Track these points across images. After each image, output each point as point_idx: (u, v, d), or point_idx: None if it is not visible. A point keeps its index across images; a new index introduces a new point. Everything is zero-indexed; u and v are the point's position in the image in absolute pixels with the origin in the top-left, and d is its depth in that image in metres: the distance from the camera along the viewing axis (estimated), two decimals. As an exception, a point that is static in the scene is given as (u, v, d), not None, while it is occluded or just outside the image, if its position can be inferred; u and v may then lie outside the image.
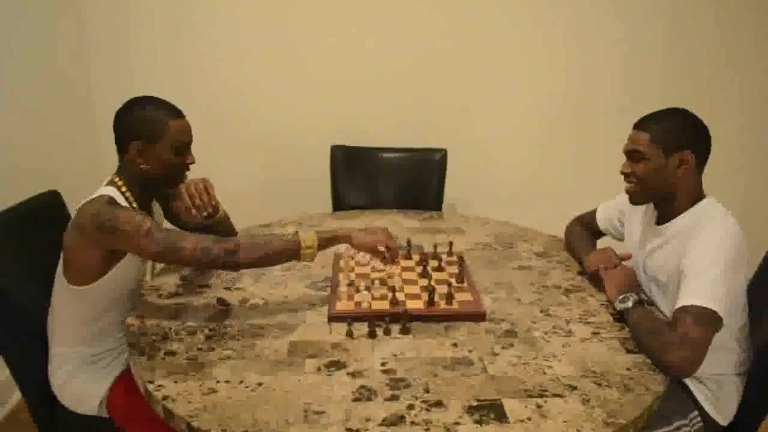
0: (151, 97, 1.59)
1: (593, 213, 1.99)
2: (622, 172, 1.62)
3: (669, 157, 1.53)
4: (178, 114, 1.58)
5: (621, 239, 1.90)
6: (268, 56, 3.04)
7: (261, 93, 3.10)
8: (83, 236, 1.46)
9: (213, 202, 1.73)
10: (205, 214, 1.71)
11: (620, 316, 1.57)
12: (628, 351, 1.44)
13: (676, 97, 2.98)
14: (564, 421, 1.19)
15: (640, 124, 1.59)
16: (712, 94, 3.04)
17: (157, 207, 1.77)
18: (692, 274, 1.43)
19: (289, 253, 1.54)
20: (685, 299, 1.41)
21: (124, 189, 1.56)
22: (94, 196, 1.51)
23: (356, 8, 2.96)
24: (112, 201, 1.49)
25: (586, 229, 2.01)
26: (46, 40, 2.64)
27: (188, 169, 1.64)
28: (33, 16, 2.52)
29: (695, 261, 1.45)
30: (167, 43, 3.01)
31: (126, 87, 2.96)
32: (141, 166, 1.54)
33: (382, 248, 1.66)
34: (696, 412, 1.56)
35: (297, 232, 1.56)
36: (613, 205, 1.92)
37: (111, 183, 1.57)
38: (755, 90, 3.07)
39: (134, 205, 1.56)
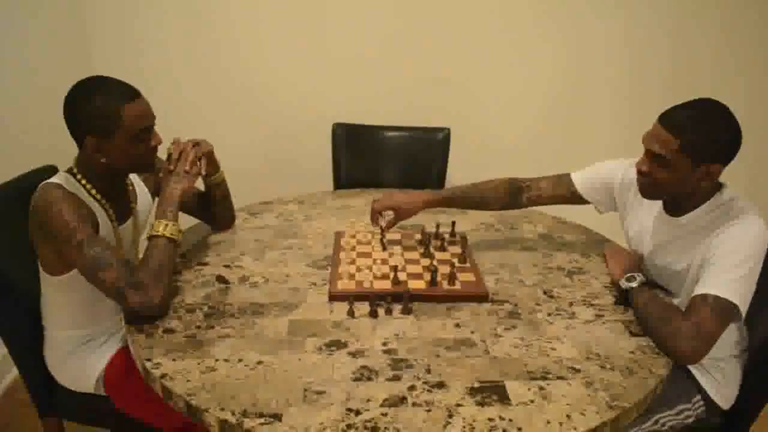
0: (98, 81, 1.43)
1: (540, 181, 1.84)
2: (638, 170, 1.50)
3: (695, 169, 1.41)
4: (131, 97, 1.42)
5: (605, 211, 1.81)
6: (270, 35, 3.00)
7: (263, 71, 3.07)
8: (32, 228, 1.43)
9: (186, 166, 1.59)
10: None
11: (622, 298, 1.55)
12: (632, 334, 1.42)
13: (678, 77, 2.98)
14: (567, 404, 1.18)
15: (671, 124, 1.41)
16: (715, 78, 3.00)
17: (141, 185, 1.69)
18: (720, 265, 1.38)
19: (173, 249, 1.47)
20: (708, 288, 1.37)
21: (80, 177, 1.47)
22: (45, 181, 1.44)
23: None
24: (57, 187, 1.40)
25: (515, 195, 1.84)
26: (47, 11, 2.59)
27: (156, 151, 1.53)
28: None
29: (725, 254, 1.39)
30: (170, 22, 2.96)
31: (127, 62, 2.95)
32: (101, 161, 1.44)
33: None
34: (698, 396, 1.56)
35: (159, 229, 1.46)
36: (594, 177, 1.79)
37: (68, 170, 1.49)
38: (758, 75, 3.04)
39: (93, 192, 1.48)
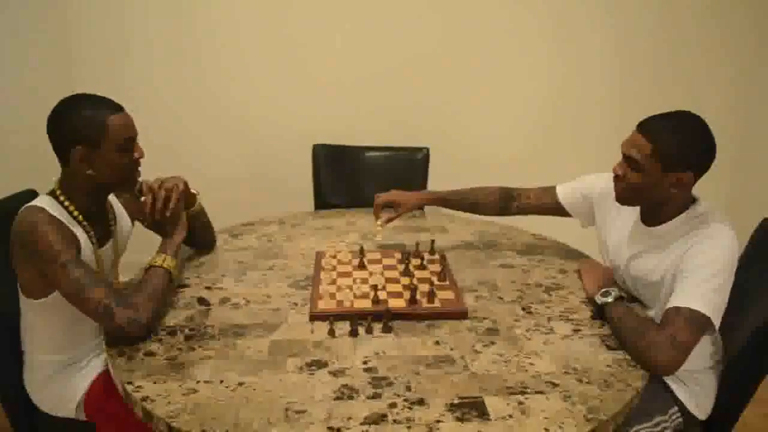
0: (84, 96, 1.48)
1: (529, 191, 1.93)
2: (614, 174, 1.57)
3: (666, 175, 1.47)
4: (116, 109, 1.47)
5: (587, 225, 1.88)
6: (251, 56, 3.03)
7: (244, 92, 3.09)
8: (13, 250, 1.43)
9: (167, 212, 1.65)
10: (156, 217, 1.65)
11: (598, 313, 1.57)
12: (609, 348, 1.45)
13: (667, 95, 3.04)
14: (545, 418, 1.19)
15: (647, 131, 1.48)
16: (702, 92, 3.07)
17: (120, 208, 1.71)
18: (692, 278, 1.41)
19: (168, 281, 1.54)
20: (681, 300, 1.40)
21: (63, 198, 1.48)
22: (28, 205, 1.45)
23: (341, 8, 2.96)
24: (40, 211, 1.41)
25: (506, 202, 1.94)
26: (28, 31, 2.60)
27: (139, 164, 1.55)
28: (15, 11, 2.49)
29: (698, 266, 1.42)
30: (154, 41, 2.98)
31: (110, 83, 2.95)
32: (87, 172, 1.45)
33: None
34: (675, 408, 1.58)
35: (158, 261, 1.54)
36: (576, 189, 1.86)
37: (50, 192, 1.50)
38: (742, 83, 3.12)
39: (75, 214, 1.49)
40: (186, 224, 1.71)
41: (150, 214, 1.65)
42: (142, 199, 1.65)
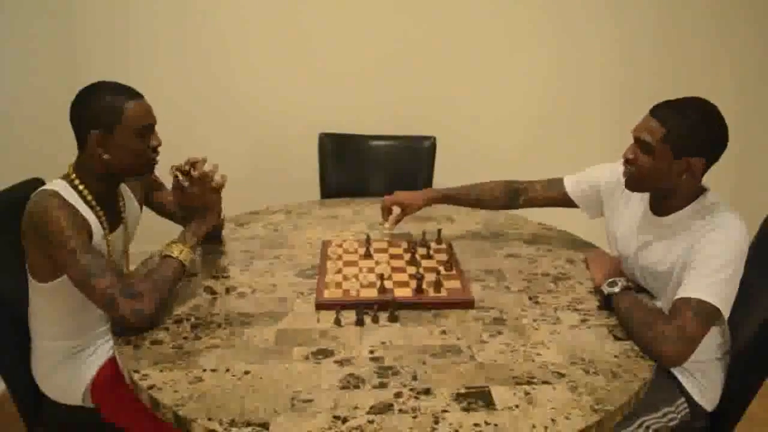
0: (106, 82, 1.50)
1: (535, 183, 1.93)
2: (625, 159, 1.55)
3: (677, 160, 1.46)
4: (135, 96, 1.49)
5: (595, 216, 1.87)
6: (258, 45, 3.02)
7: (251, 81, 3.08)
8: (24, 233, 1.44)
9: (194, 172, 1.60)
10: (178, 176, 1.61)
11: (606, 303, 1.57)
12: (616, 338, 1.44)
13: (667, 86, 3.01)
14: (552, 408, 1.19)
15: (660, 114, 1.48)
16: (704, 83, 3.04)
17: (129, 194, 1.70)
18: (702, 268, 1.40)
19: (180, 273, 1.52)
20: (691, 291, 1.39)
21: (77, 182, 1.49)
22: (42, 188, 1.46)
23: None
24: (54, 195, 1.42)
25: (512, 196, 1.94)
26: (33, 22, 2.60)
27: (156, 152, 1.56)
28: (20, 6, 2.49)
29: (707, 257, 1.41)
30: (158, 32, 2.98)
31: (114, 73, 2.95)
32: (103, 156, 1.47)
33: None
34: (682, 399, 1.57)
35: (173, 251, 1.52)
36: (583, 180, 1.85)
37: (64, 176, 1.51)
38: (752, 80, 3.09)
39: (89, 198, 1.50)
40: (216, 216, 1.67)
41: (187, 176, 1.60)
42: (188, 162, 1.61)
